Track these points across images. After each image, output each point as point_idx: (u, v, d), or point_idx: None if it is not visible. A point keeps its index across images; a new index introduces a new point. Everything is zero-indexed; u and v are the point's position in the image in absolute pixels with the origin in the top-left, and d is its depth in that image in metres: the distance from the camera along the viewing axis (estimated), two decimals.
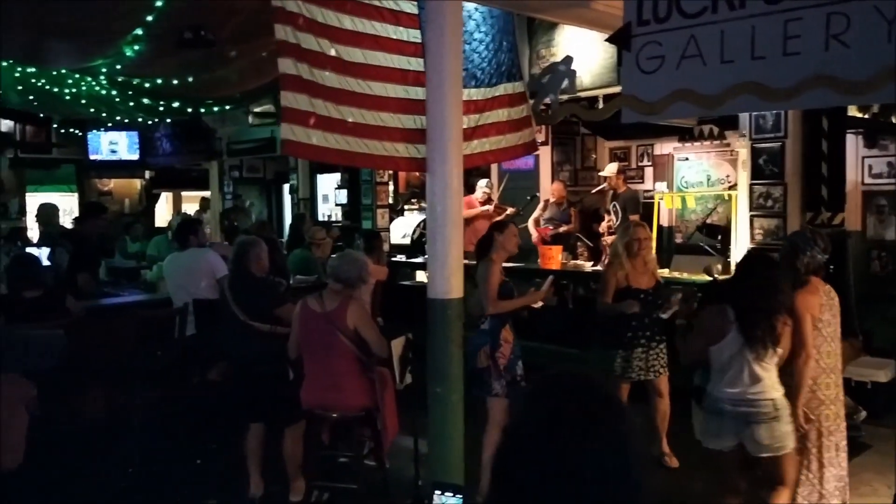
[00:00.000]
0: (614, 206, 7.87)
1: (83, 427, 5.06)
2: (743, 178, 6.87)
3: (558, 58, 7.00)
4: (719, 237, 7.44)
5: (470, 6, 5.05)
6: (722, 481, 3.75)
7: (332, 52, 4.05)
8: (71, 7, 5.23)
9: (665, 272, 6.35)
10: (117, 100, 8.12)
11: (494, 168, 9.03)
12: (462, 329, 4.20)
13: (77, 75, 7.37)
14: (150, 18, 5.48)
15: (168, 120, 10.44)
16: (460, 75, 4.22)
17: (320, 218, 11.60)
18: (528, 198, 8.57)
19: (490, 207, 8.32)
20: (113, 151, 12.45)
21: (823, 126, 6.37)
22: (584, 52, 6.93)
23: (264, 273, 4.96)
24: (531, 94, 6.15)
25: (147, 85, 7.47)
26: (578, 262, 7.97)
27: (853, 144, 7.48)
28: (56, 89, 7.81)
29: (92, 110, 8.90)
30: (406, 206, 10.68)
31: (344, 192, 10.85)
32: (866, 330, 6.35)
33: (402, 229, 9.79)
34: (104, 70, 6.90)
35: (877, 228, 7.84)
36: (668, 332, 5.15)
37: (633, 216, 7.65)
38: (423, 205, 10.22)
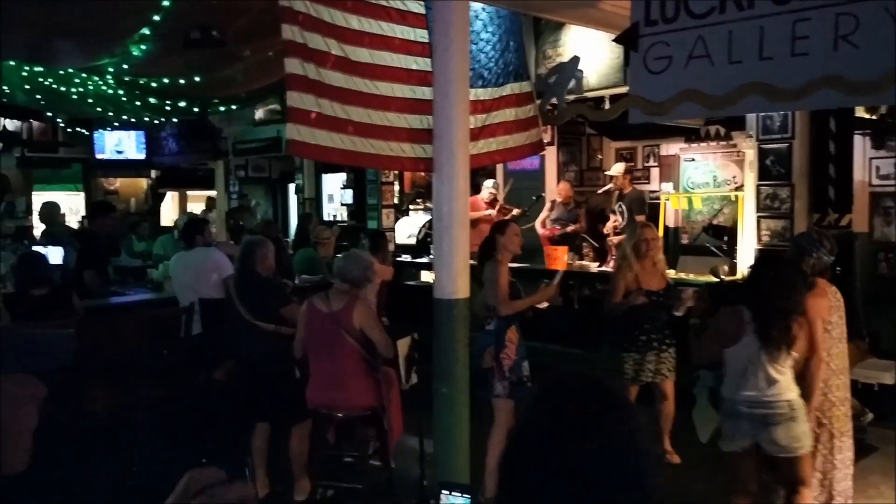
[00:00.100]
0: (620, 206, 7.85)
1: (88, 425, 5.07)
2: (750, 178, 6.84)
3: (565, 58, 6.98)
4: (725, 238, 7.42)
5: (477, 6, 5.05)
6: (733, 482, 3.73)
7: (339, 52, 4.04)
8: (78, 6, 5.24)
9: (671, 273, 6.33)
10: (124, 99, 8.15)
11: (500, 168, 9.01)
12: (468, 329, 4.20)
13: (84, 74, 7.39)
14: (157, 18, 5.49)
15: (174, 119, 10.45)
16: (467, 75, 4.21)
17: (325, 218, 11.60)
18: (534, 198, 8.55)
19: (493, 212, 8.30)
20: (119, 151, 12.47)
21: (831, 127, 6.34)
22: (591, 53, 6.91)
23: (270, 273, 4.97)
24: (538, 95, 6.13)
25: (154, 84, 7.49)
26: (584, 262, 7.96)
27: (861, 145, 7.44)
28: (63, 88, 7.84)
29: (99, 109, 8.93)
30: (411, 206, 10.68)
31: (349, 192, 10.85)
32: (873, 332, 6.32)
33: (407, 229, 9.78)
34: (111, 69, 6.92)
35: (884, 230, 7.81)
36: (677, 335, 5.15)
37: (639, 217, 7.63)
38: (428, 205, 10.22)
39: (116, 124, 11.21)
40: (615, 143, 9.91)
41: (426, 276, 8.79)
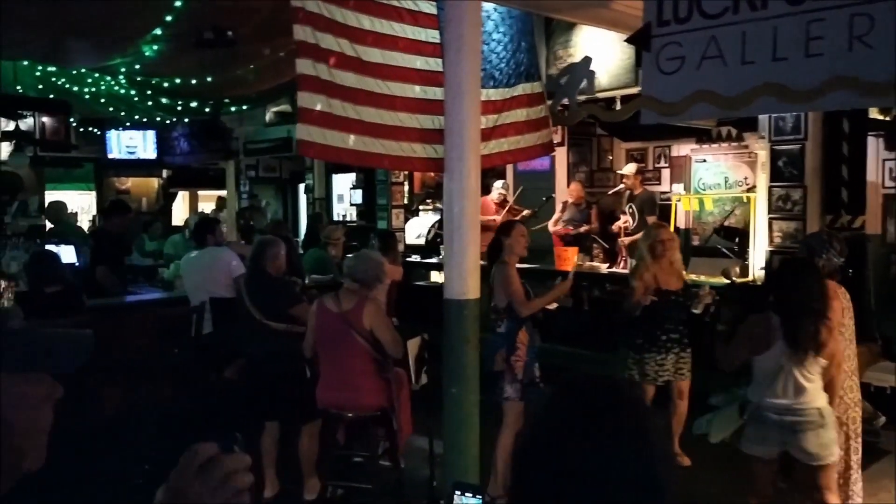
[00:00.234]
0: (630, 207, 7.82)
1: (98, 424, 5.09)
2: (762, 180, 6.81)
3: (576, 58, 6.97)
4: (737, 240, 7.39)
5: (489, 6, 5.04)
6: (751, 485, 3.70)
7: (351, 52, 4.04)
8: (91, 7, 5.27)
9: None
10: (136, 99, 8.20)
11: (510, 169, 9.00)
12: (478, 330, 4.19)
13: (96, 74, 7.45)
14: (169, 18, 5.52)
15: (186, 119, 10.49)
16: (479, 75, 4.21)
17: (335, 218, 11.62)
18: (544, 199, 8.53)
19: (497, 219, 8.28)
20: (131, 150, 12.53)
21: (844, 128, 6.30)
22: (602, 53, 6.89)
23: (280, 273, 4.97)
24: (549, 95, 6.12)
25: (166, 84, 7.53)
26: (594, 263, 7.93)
27: (874, 147, 7.40)
28: (76, 88, 7.90)
29: (111, 109, 8.99)
30: (421, 207, 10.68)
31: (359, 192, 10.86)
32: (885, 334, 6.28)
33: (416, 229, 9.78)
34: (123, 69, 6.96)
35: None
36: (693, 334, 5.14)
37: (650, 217, 7.61)
38: (437, 205, 10.21)
39: (128, 124, 11.27)
40: (626, 144, 9.88)
41: (436, 277, 8.78)
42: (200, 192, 14.90)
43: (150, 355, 5.76)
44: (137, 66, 6.78)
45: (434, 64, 4.44)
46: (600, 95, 6.81)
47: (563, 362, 6.51)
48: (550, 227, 8.36)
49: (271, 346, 4.75)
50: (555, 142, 8.49)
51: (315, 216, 9.93)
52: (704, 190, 8.77)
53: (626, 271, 7.28)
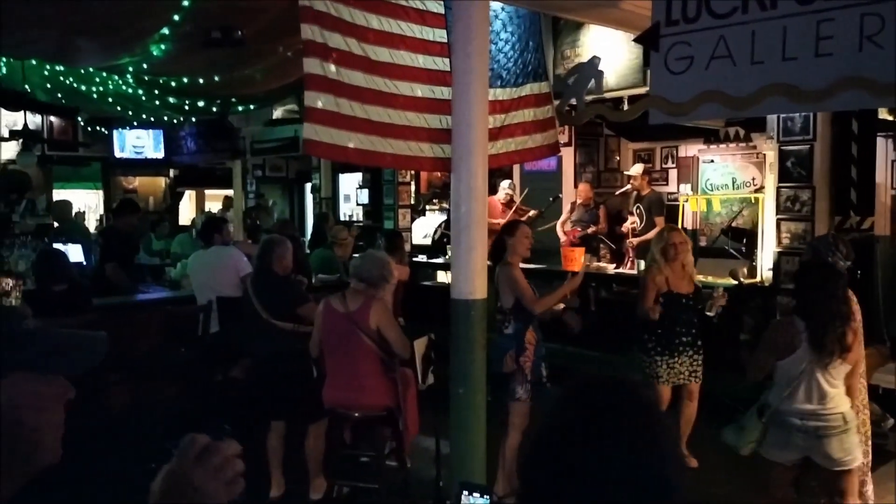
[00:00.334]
0: (638, 207, 7.81)
1: (105, 422, 5.10)
2: (770, 180, 6.78)
3: (583, 58, 6.95)
4: (744, 240, 7.36)
5: (496, 6, 5.03)
6: (768, 489, 3.67)
7: (359, 52, 4.04)
8: (99, 6, 5.28)
9: None
10: (143, 98, 8.21)
11: (517, 169, 8.99)
12: (485, 330, 4.18)
13: (104, 73, 7.46)
14: (177, 17, 5.52)
15: (193, 119, 10.52)
16: (486, 75, 4.20)
17: (342, 217, 11.64)
18: (551, 199, 8.52)
19: (501, 222, 8.27)
20: (138, 150, 12.57)
21: (853, 129, 6.27)
22: (609, 53, 6.87)
23: (287, 272, 4.97)
24: (556, 95, 6.11)
25: (173, 83, 7.54)
26: (601, 263, 7.92)
27: (883, 148, 7.35)
28: (83, 87, 7.91)
29: (118, 108, 9.01)
30: (427, 207, 10.68)
31: (366, 192, 10.87)
32: (894, 336, 6.24)
33: (423, 229, 9.78)
34: (131, 68, 6.97)
35: None
36: (706, 335, 5.14)
37: (658, 218, 7.59)
38: (444, 205, 10.22)
39: (136, 123, 11.30)
40: (633, 144, 9.86)
41: (442, 277, 8.78)
42: (207, 192, 14.94)
43: (156, 354, 5.77)
44: (145, 66, 6.79)
45: (441, 63, 4.44)
46: (608, 95, 6.79)
47: (570, 363, 6.50)
48: (559, 227, 8.34)
49: (278, 345, 4.75)
50: (562, 142, 8.49)
51: (321, 216, 9.93)
52: (712, 190, 8.74)
53: (633, 272, 7.28)
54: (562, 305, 4.95)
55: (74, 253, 7.41)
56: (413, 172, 9.91)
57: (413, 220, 10.01)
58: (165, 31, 5.76)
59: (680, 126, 6.95)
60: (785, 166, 6.50)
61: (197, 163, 12.97)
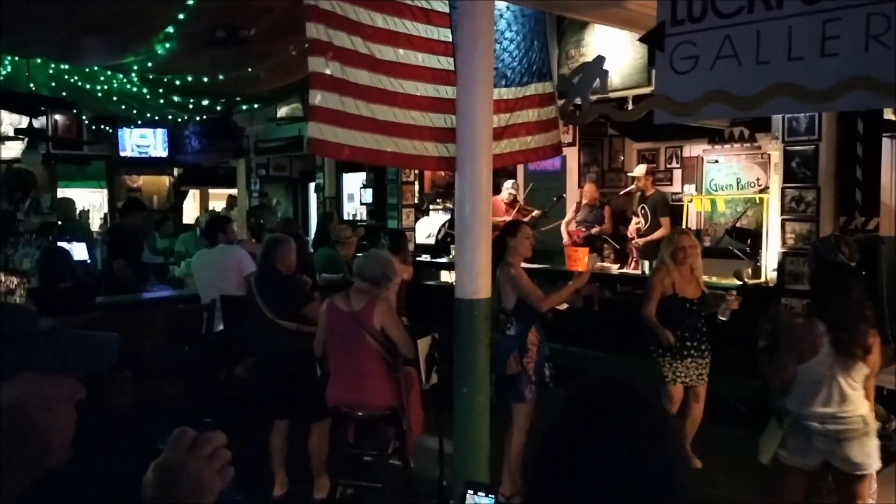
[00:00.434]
0: (643, 208, 7.79)
1: (109, 420, 5.11)
2: (775, 181, 6.77)
3: (588, 58, 6.94)
4: (749, 241, 7.34)
5: (501, 5, 5.03)
6: (781, 494, 3.63)
7: (365, 50, 4.03)
8: (105, 6, 5.29)
9: None
10: (148, 97, 8.23)
11: (521, 169, 8.98)
12: (489, 330, 4.18)
13: (109, 72, 7.47)
14: (181, 17, 5.53)
15: (197, 118, 10.53)
16: (491, 74, 4.20)
17: (345, 217, 11.64)
18: (555, 199, 8.52)
19: (504, 220, 8.27)
20: (142, 149, 12.59)
21: (859, 129, 6.25)
22: (614, 53, 6.86)
23: (291, 271, 4.97)
24: (561, 95, 6.10)
25: (178, 82, 7.55)
26: (605, 264, 7.91)
27: (889, 148, 7.33)
28: (88, 86, 7.93)
29: (123, 107, 9.02)
30: (431, 206, 10.67)
31: (369, 192, 10.87)
32: None
33: (426, 229, 9.78)
34: (136, 67, 6.98)
35: None
36: (712, 338, 5.13)
37: (663, 219, 7.57)
38: (447, 205, 10.21)
39: (140, 122, 11.32)
40: (637, 144, 9.85)
41: (446, 276, 8.78)
42: (211, 191, 14.96)
43: (160, 352, 5.78)
44: (150, 65, 6.81)
45: (446, 63, 4.43)
46: (612, 95, 6.78)
47: (573, 363, 6.49)
48: (563, 227, 8.34)
49: (281, 344, 4.76)
50: (566, 142, 8.49)
51: (326, 215, 9.93)
52: (716, 191, 8.73)
53: (637, 272, 7.27)
54: (565, 305, 4.95)
55: (79, 251, 7.44)
56: (417, 172, 9.90)
57: (417, 219, 10.01)
58: (170, 30, 5.77)
59: (684, 126, 6.95)
60: (790, 166, 6.48)
61: (201, 162, 12.98)
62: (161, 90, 7.90)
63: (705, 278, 6.54)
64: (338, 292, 4.58)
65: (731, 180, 8.68)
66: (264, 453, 4.79)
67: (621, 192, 8.58)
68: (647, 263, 6.93)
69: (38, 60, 7.23)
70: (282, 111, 11.18)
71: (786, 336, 3.58)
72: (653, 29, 3.93)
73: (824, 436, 3.37)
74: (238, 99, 8.74)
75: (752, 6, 3.60)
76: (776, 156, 6.73)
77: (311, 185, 12.87)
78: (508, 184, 8.64)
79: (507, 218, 8.22)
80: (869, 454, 3.37)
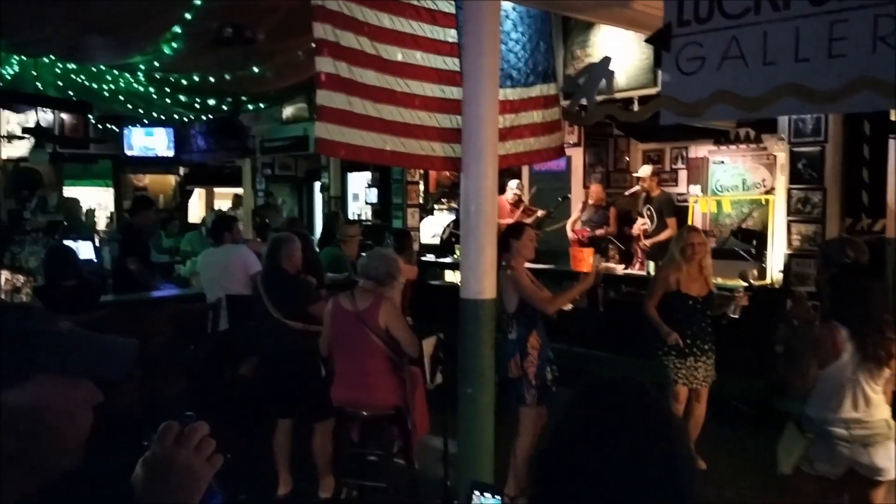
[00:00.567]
0: (648, 209, 7.78)
1: (113, 419, 5.12)
2: (781, 182, 6.75)
3: (594, 58, 6.94)
4: (754, 242, 7.32)
5: (507, 5, 5.03)
6: (798, 499, 3.61)
7: (372, 51, 4.04)
8: (111, 4, 5.30)
9: None
10: (154, 96, 8.25)
11: (526, 169, 8.98)
12: (494, 330, 4.18)
13: (115, 71, 7.49)
14: (188, 16, 5.54)
15: (203, 117, 10.56)
16: (497, 75, 4.20)
17: (350, 216, 11.65)
18: (560, 199, 8.51)
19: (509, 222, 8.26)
20: (149, 148, 12.63)
21: (865, 130, 6.23)
22: (620, 53, 6.86)
23: (296, 269, 4.98)
24: (567, 95, 6.10)
25: (184, 82, 7.57)
26: (610, 264, 7.90)
27: (895, 150, 7.31)
28: (95, 85, 7.95)
29: (129, 106, 9.05)
30: (436, 206, 10.67)
31: (374, 191, 10.88)
32: None
33: (431, 229, 9.78)
34: (142, 67, 7.00)
35: None
36: (717, 337, 5.11)
37: (669, 219, 7.56)
38: (452, 204, 10.21)
39: (146, 121, 11.35)
40: (643, 145, 9.82)
41: (450, 276, 8.79)
42: (217, 190, 14.98)
43: (166, 351, 5.78)
44: (156, 64, 6.82)
45: (452, 63, 4.44)
46: (618, 96, 6.78)
47: (577, 363, 6.49)
48: (568, 226, 8.33)
49: (286, 343, 4.76)
50: (571, 142, 8.50)
51: (331, 215, 9.94)
52: (722, 192, 8.71)
53: (642, 273, 7.26)
54: (569, 306, 4.94)
55: (85, 250, 7.46)
56: (422, 171, 9.90)
57: (421, 219, 10.01)
58: (177, 29, 5.79)
59: (690, 127, 6.93)
60: (796, 168, 6.47)
61: (207, 161, 13.02)
62: (167, 90, 7.92)
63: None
64: (343, 292, 4.59)
65: (736, 181, 8.66)
66: (269, 453, 4.80)
67: (626, 193, 8.56)
68: (652, 264, 6.92)
69: (46, 60, 7.26)
70: (287, 111, 11.20)
71: (807, 340, 3.52)
72: (659, 30, 3.93)
73: (849, 441, 3.32)
74: (244, 98, 8.76)
75: (758, 7, 3.60)
76: (782, 157, 6.71)
77: (317, 185, 12.88)
78: (513, 184, 8.64)
79: (511, 220, 8.24)
80: (892, 458, 3.31)
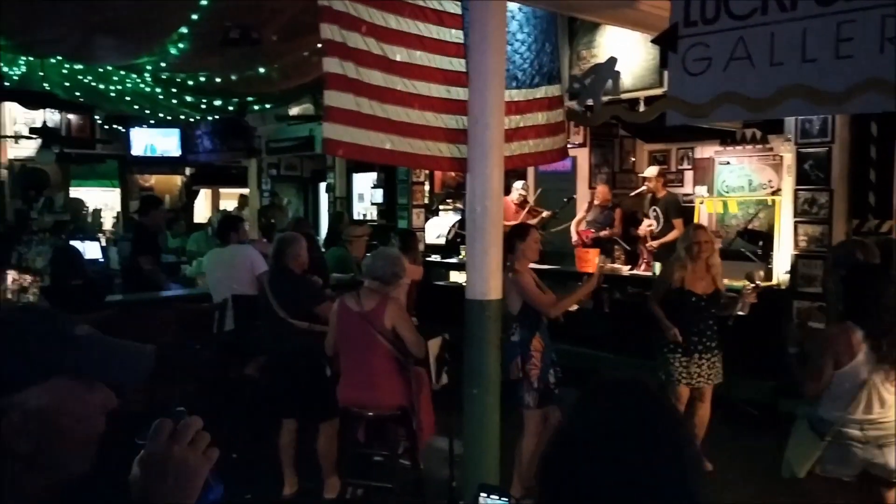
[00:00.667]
0: (654, 210, 7.77)
1: (118, 420, 5.14)
2: (787, 183, 6.73)
3: (600, 59, 6.94)
4: (761, 243, 7.30)
5: (513, 6, 5.03)
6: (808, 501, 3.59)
7: (378, 51, 4.04)
8: (120, 6, 5.32)
9: None
10: (160, 97, 8.27)
11: (531, 170, 8.97)
12: (500, 331, 4.18)
13: (122, 72, 7.52)
14: (195, 17, 5.56)
15: (209, 117, 10.59)
16: (503, 76, 4.20)
17: (356, 217, 11.67)
18: (565, 200, 8.50)
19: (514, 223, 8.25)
20: (155, 148, 12.67)
21: (872, 131, 6.22)
22: (626, 54, 6.85)
23: (303, 269, 4.99)
24: (573, 96, 6.09)
25: (190, 82, 7.59)
26: (615, 265, 7.89)
27: None
28: (101, 86, 7.98)
29: (136, 107, 9.08)
30: (441, 207, 10.68)
31: (380, 192, 10.89)
32: None
33: (436, 229, 9.78)
34: (149, 67, 7.02)
35: None
36: (727, 338, 5.09)
37: (675, 220, 7.55)
38: (458, 205, 10.21)
39: (153, 122, 11.39)
40: (648, 146, 9.80)
41: (456, 277, 8.78)
42: (222, 190, 15.02)
43: (171, 351, 5.79)
44: (163, 64, 6.84)
45: (458, 64, 4.43)
46: (624, 96, 6.77)
47: (583, 364, 6.48)
48: (573, 227, 8.32)
49: (292, 343, 4.77)
50: (577, 143, 8.49)
51: (337, 215, 9.96)
52: (728, 192, 8.67)
53: (647, 273, 7.25)
54: (575, 306, 4.93)
55: (92, 250, 7.48)
56: (427, 172, 9.91)
57: (427, 219, 10.01)
58: (184, 30, 5.80)
59: (696, 127, 6.92)
60: (802, 169, 6.45)
61: (213, 161, 13.05)
62: (174, 90, 7.94)
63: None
64: (348, 292, 4.60)
65: (742, 182, 8.62)
66: (274, 452, 4.80)
67: (632, 193, 8.55)
68: (658, 265, 6.91)
69: (53, 60, 7.28)
70: (293, 111, 11.22)
71: (822, 341, 3.50)
72: (666, 30, 3.92)
73: (864, 442, 3.29)
74: (250, 99, 8.78)
75: (765, 7, 3.58)
76: (789, 158, 6.70)
77: (322, 185, 12.90)
78: (519, 184, 8.63)
79: (516, 221, 8.23)
80: None
